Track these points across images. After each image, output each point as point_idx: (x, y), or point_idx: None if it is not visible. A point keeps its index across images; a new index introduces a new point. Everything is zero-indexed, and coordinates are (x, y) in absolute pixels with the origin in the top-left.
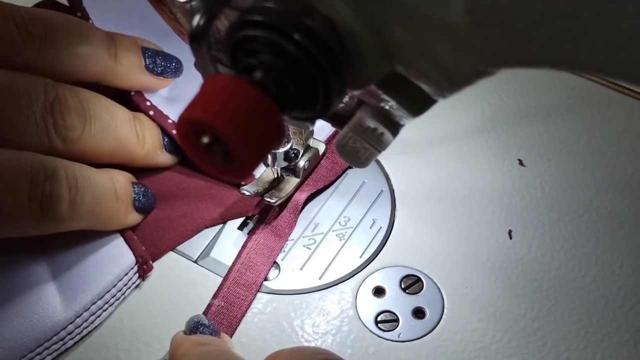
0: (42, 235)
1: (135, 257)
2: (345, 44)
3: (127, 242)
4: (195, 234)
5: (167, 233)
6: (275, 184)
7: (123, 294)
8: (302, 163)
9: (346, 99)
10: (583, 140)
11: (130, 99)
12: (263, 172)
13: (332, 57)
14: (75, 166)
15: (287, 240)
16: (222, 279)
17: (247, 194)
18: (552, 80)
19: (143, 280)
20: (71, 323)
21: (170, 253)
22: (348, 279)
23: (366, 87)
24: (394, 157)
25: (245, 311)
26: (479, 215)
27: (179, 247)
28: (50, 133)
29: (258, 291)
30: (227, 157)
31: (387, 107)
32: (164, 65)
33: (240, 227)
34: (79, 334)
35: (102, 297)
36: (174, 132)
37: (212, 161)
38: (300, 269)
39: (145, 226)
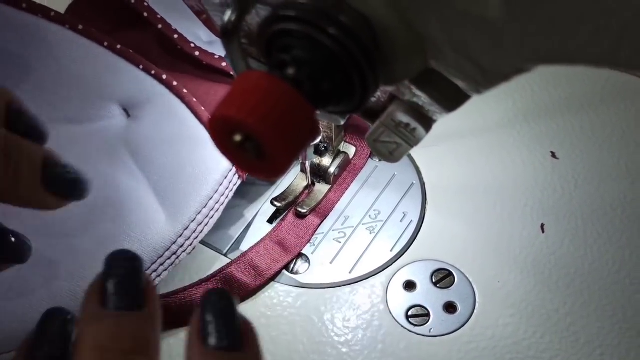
0: (136, 156)
1: None
2: (380, 39)
3: None
4: None
5: None
6: (305, 193)
7: (226, 197)
8: (332, 169)
9: (378, 93)
10: (617, 132)
11: (172, 42)
12: (293, 181)
13: (368, 52)
14: None
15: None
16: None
17: (278, 205)
18: (585, 72)
19: (244, 180)
20: (180, 236)
21: (201, 247)
22: (378, 272)
23: (400, 83)
24: (425, 150)
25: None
26: (511, 209)
27: (209, 240)
28: None
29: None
30: (261, 154)
31: (420, 103)
32: None
33: (270, 221)
34: (190, 244)
35: (206, 204)
36: (224, 64)
37: (245, 159)
38: (331, 263)
39: None
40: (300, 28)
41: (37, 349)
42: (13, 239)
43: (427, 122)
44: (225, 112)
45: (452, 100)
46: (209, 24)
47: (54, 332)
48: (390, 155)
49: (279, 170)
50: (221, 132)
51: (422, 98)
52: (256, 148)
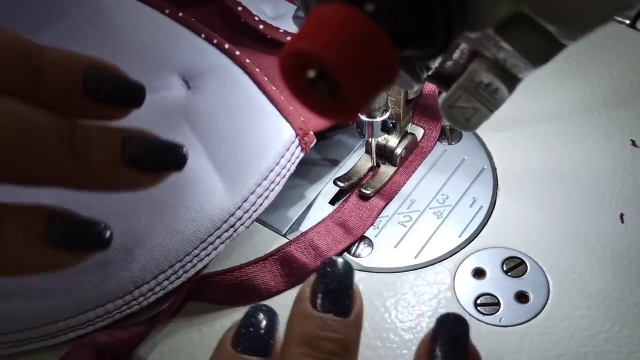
0: (195, 127)
1: (294, 130)
2: None
3: (284, 115)
4: None
5: None
6: (369, 174)
7: (288, 170)
8: (399, 151)
9: (456, 54)
10: None
11: (236, 15)
12: (357, 162)
13: None
14: None
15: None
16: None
17: (342, 185)
18: None
19: (307, 153)
20: (239, 208)
21: (259, 226)
22: (446, 259)
23: (485, 28)
24: (497, 134)
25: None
26: (589, 197)
27: (268, 220)
28: None
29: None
30: (333, 94)
31: (503, 57)
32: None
33: (332, 202)
34: (249, 217)
35: (267, 177)
36: (288, 39)
37: (317, 99)
38: (395, 247)
39: None
40: None
41: (241, 340)
42: (96, 233)
43: (511, 81)
44: (297, 45)
45: (541, 52)
46: None
47: (259, 325)
48: (467, 123)
49: (353, 110)
50: (293, 68)
51: (507, 51)
52: (329, 87)
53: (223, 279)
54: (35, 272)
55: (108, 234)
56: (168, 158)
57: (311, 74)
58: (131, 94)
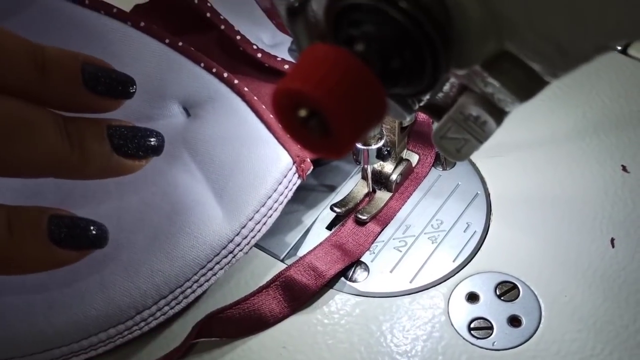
0: (195, 154)
1: (292, 157)
2: (452, 15)
3: (281, 142)
4: None
5: None
6: (365, 200)
7: (285, 196)
8: (394, 177)
9: (446, 87)
10: None
11: (234, 43)
12: (354, 187)
13: (440, 27)
14: None
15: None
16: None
17: (338, 211)
18: None
19: (304, 180)
20: (237, 235)
21: (257, 251)
22: (440, 283)
23: (472, 66)
24: (490, 159)
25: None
26: (580, 222)
27: (266, 245)
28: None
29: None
30: (325, 132)
31: (491, 91)
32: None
33: (329, 227)
34: (248, 244)
35: (264, 203)
36: (286, 67)
37: (309, 136)
38: (391, 272)
39: None
40: (370, 1)
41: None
42: (94, 232)
43: (499, 115)
44: (289, 85)
45: (527, 87)
46: (282, 27)
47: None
48: (458, 153)
49: (344, 148)
50: (285, 107)
51: (494, 86)
52: (320, 126)
53: (232, 313)
54: (42, 269)
55: (105, 233)
56: (147, 143)
57: (303, 113)
58: (125, 86)
